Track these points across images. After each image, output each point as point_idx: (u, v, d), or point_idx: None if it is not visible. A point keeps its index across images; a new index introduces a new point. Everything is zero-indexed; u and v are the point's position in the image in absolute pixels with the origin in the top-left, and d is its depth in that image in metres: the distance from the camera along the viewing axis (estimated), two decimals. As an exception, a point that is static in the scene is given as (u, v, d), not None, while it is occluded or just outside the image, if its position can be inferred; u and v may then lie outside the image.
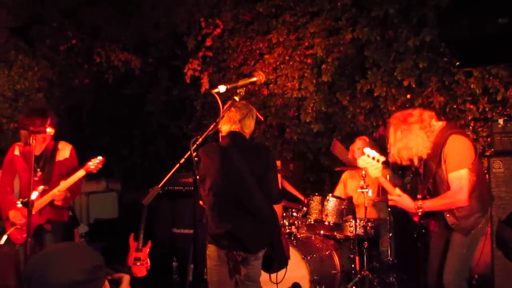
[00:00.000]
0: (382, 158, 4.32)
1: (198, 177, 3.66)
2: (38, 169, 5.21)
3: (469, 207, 3.95)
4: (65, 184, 5.05)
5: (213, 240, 4.35)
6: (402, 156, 4.17)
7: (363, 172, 5.78)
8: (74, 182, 5.12)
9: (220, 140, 4.50)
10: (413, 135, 4.07)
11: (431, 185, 4.13)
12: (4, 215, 5.26)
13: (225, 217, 4.28)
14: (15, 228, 5.11)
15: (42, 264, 2.02)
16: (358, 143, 6.25)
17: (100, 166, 5.42)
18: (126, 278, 2.26)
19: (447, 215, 4.03)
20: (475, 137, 6.21)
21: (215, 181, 4.30)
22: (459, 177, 3.89)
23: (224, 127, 4.45)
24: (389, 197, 4.38)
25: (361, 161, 4.31)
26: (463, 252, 4.05)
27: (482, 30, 2.10)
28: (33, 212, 4.67)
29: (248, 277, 4.38)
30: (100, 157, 5.41)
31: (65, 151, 5.52)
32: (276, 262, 4.51)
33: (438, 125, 4.11)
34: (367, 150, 4.31)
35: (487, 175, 5.08)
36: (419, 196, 4.19)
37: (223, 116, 3.95)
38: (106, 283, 2.11)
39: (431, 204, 4.13)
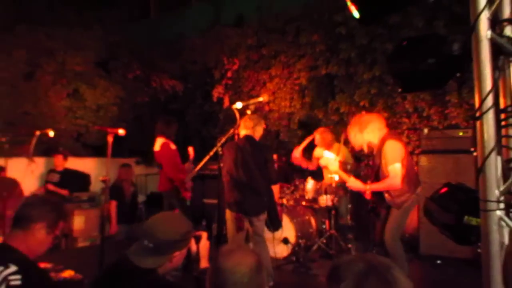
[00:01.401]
0: (338, 158, 4.39)
1: (221, 164, 3.69)
2: None
3: (401, 189, 3.96)
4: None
5: (228, 206, 4.51)
6: (355, 145, 4.29)
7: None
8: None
9: (237, 140, 4.55)
10: (357, 135, 4.18)
11: (376, 174, 4.13)
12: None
13: (234, 191, 4.43)
14: None
15: (153, 225, 2.07)
16: (317, 136, 6.13)
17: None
18: (204, 235, 2.27)
19: (386, 195, 4.04)
20: (408, 141, 6.21)
21: (230, 167, 4.42)
22: (394, 169, 3.89)
23: (242, 131, 4.58)
24: (347, 183, 4.39)
25: (323, 161, 4.37)
26: (397, 220, 4.04)
27: (417, 67, 2.09)
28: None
29: (255, 233, 4.49)
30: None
31: (157, 144, 5.49)
32: (272, 224, 4.54)
33: (383, 132, 4.10)
34: (326, 153, 4.35)
35: (416, 167, 5.08)
36: (369, 182, 4.20)
37: (239, 124, 3.98)
38: (192, 239, 2.17)
39: (376, 186, 4.13)
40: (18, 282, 1.88)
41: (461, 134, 5.48)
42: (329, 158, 4.30)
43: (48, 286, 2.07)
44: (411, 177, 4.03)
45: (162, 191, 5.55)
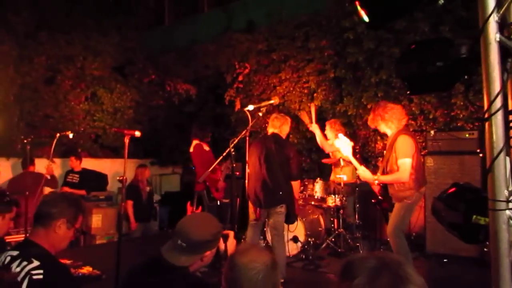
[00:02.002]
0: (351, 143, 4.33)
1: (234, 164, 3.68)
2: None
3: (406, 184, 3.91)
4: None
5: (248, 197, 4.71)
6: (371, 124, 4.33)
7: (341, 163, 5.77)
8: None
9: (264, 137, 4.84)
10: (381, 122, 4.17)
11: (386, 167, 4.09)
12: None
13: (254, 184, 4.61)
14: None
15: (186, 225, 2.09)
16: (327, 126, 6.21)
17: None
18: (231, 234, 2.26)
19: (390, 188, 4.02)
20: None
21: (254, 162, 4.63)
22: (404, 163, 3.86)
23: (269, 130, 4.79)
24: (357, 171, 4.33)
25: (337, 142, 4.29)
26: (400, 214, 3.99)
27: (426, 70, 2.06)
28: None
29: (273, 226, 4.64)
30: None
31: (191, 146, 5.76)
32: (287, 218, 4.64)
33: (400, 125, 4.08)
34: (341, 135, 4.29)
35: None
36: (378, 173, 4.17)
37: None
38: (220, 238, 2.17)
39: (384, 178, 4.10)
40: (40, 277, 1.89)
41: (467, 135, 5.42)
42: (344, 141, 4.22)
43: (68, 281, 2.06)
44: (418, 175, 3.98)
45: (196, 191, 5.85)
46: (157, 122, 9.83)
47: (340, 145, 4.23)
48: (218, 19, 9.73)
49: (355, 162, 4.26)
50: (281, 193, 4.49)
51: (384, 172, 4.10)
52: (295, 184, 4.69)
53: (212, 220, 2.16)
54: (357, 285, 1.12)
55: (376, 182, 4.11)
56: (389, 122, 4.08)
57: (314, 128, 6.14)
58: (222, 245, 2.20)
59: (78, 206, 2.23)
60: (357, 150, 5.79)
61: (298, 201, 6.06)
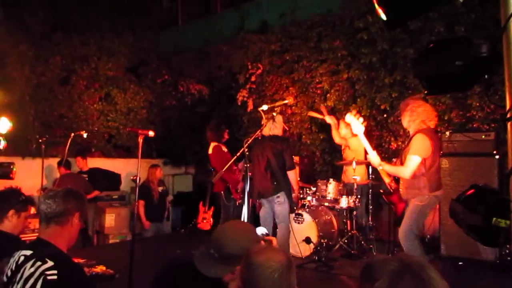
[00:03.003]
0: (364, 122, 4.16)
1: (248, 164, 3.67)
2: None
3: (416, 183, 3.85)
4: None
5: (251, 195, 5.00)
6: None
7: (354, 165, 5.72)
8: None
9: (262, 137, 5.05)
10: (406, 118, 4.09)
11: (401, 162, 4.02)
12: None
13: (255, 178, 4.96)
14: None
15: (221, 236, 1.99)
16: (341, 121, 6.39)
17: None
18: (274, 240, 2.19)
19: (400, 188, 3.97)
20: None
21: (253, 160, 4.97)
22: (410, 159, 3.81)
23: (265, 132, 5.01)
24: (367, 155, 4.17)
25: (347, 117, 4.16)
26: (413, 216, 3.92)
27: (444, 69, 2.01)
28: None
29: (277, 216, 5.00)
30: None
31: (210, 148, 5.96)
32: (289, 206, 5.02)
33: (422, 125, 3.99)
34: (348, 116, 4.14)
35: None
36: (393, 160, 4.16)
37: (265, 125, 3.98)
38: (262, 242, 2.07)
39: (387, 167, 4.07)
40: (54, 277, 1.87)
41: (483, 137, 5.32)
42: (355, 119, 4.08)
43: (82, 281, 2.05)
44: (431, 177, 3.89)
45: (215, 192, 5.97)
46: (170, 122, 9.85)
47: (350, 120, 4.08)
48: (231, 19, 9.73)
49: (366, 143, 4.09)
50: (275, 183, 4.88)
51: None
52: (291, 174, 4.99)
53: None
54: (378, 288, 1.09)
55: (380, 167, 4.06)
56: (413, 118, 4.00)
57: (329, 118, 6.37)
58: None
59: (82, 197, 2.24)
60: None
61: (311, 202, 6.07)
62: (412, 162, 3.79)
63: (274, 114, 4.22)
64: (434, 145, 3.90)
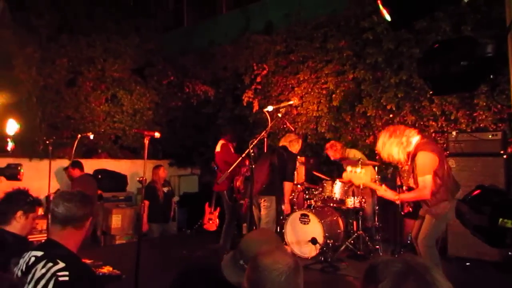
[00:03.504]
0: (361, 170, 4.15)
1: (253, 165, 3.68)
2: None
3: (438, 199, 3.74)
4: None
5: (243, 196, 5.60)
6: (388, 159, 3.96)
7: (359, 169, 5.70)
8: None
9: (275, 147, 5.62)
10: (392, 148, 3.87)
11: (414, 182, 3.95)
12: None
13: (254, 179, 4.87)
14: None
15: (249, 244, 1.97)
16: (328, 151, 6.49)
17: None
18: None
19: (423, 205, 3.89)
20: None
21: (258, 161, 5.33)
22: (423, 180, 3.70)
23: (281, 142, 5.66)
24: (378, 192, 4.18)
25: (345, 175, 4.15)
26: (434, 227, 3.84)
27: (449, 70, 2.01)
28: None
29: (262, 219, 5.44)
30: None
31: (218, 146, 6.00)
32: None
33: (415, 140, 3.85)
34: (349, 168, 4.13)
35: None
36: (404, 187, 4.05)
37: (271, 126, 4.00)
38: None
39: (405, 196, 4.04)
40: (66, 278, 1.89)
41: (490, 136, 5.30)
42: (352, 173, 4.08)
43: (92, 281, 2.07)
44: (449, 185, 3.79)
45: (217, 191, 6.04)
46: (175, 123, 9.88)
47: (349, 176, 4.09)
48: (236, 20, 9.73)
49: (373, 185, 4.24)
50: (265, 185, 5.31)
51: (415, 184, 3.96)
52: (287, 185, 5.48)
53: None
54: (382, 289, 1.09)
55: (398, 201, 4.02)
56: (401, 142, 3.91)
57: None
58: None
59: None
60: (377, 158, 5.66)
61: (317, 203, 6.06)
62: (426, 182, 3.71)
63: (279, 115, 4.24)
64: (438, 154, 3.81)
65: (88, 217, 2.15)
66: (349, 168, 4.08)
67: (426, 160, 3.75)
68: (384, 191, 3.99)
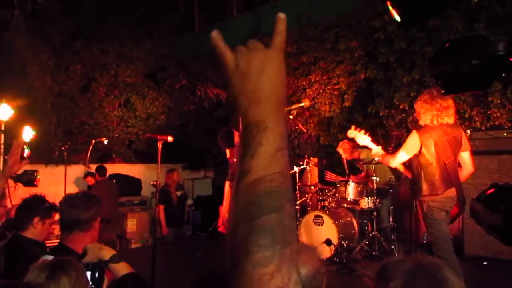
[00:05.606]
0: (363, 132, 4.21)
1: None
2: None
3: (430, 186, 3.77)
4: None
5: None
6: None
7: (373, 167, 5.70)
8: None
9: None
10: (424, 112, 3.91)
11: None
12: None
13: None
14: None
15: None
16: (340, 150, 6.46)
17: None
18: None
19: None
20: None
21: None
22: (398, 153, 3.89)
23: None
24: (372, 151, 4.27)
25: (350, 133, 4.23)
26: (429, 231, 3.87)
27: (461, 68, 2.01)
28: None
29: None
30: None
31: (228, 153, 6.02)
32: None
33: (438, 122, 3.85)
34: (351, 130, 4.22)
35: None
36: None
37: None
38: None
39: (383, 156, 4.13)
40: None
41: (505, 134, 5.24)
42: (356, 133, 4.18)
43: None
44: (447, 178, 3.81)
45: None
46: (188, 127, 9.95)
47: (353, 134, 4.16)
48: (247, 23, 9.78)
49: (373, 146, 4.19)
50: None
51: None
52: None
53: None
54: (393, 288, 1.10)
55: (378, 158, 4.28)
56: (421, 114, 3.94)
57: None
58: None
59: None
60: (389, 151, 5.64)
61: (331, 204, 6.06)
62: (398, 155, 3.88)
63: (291, 117, 4.24)
64: (422, 138, 3.80)
65: (94, 218, 2.19)
66: (352, 129, 4.17)
67: (410, 140, 3.87)
68: (375, 148, 4.15)
